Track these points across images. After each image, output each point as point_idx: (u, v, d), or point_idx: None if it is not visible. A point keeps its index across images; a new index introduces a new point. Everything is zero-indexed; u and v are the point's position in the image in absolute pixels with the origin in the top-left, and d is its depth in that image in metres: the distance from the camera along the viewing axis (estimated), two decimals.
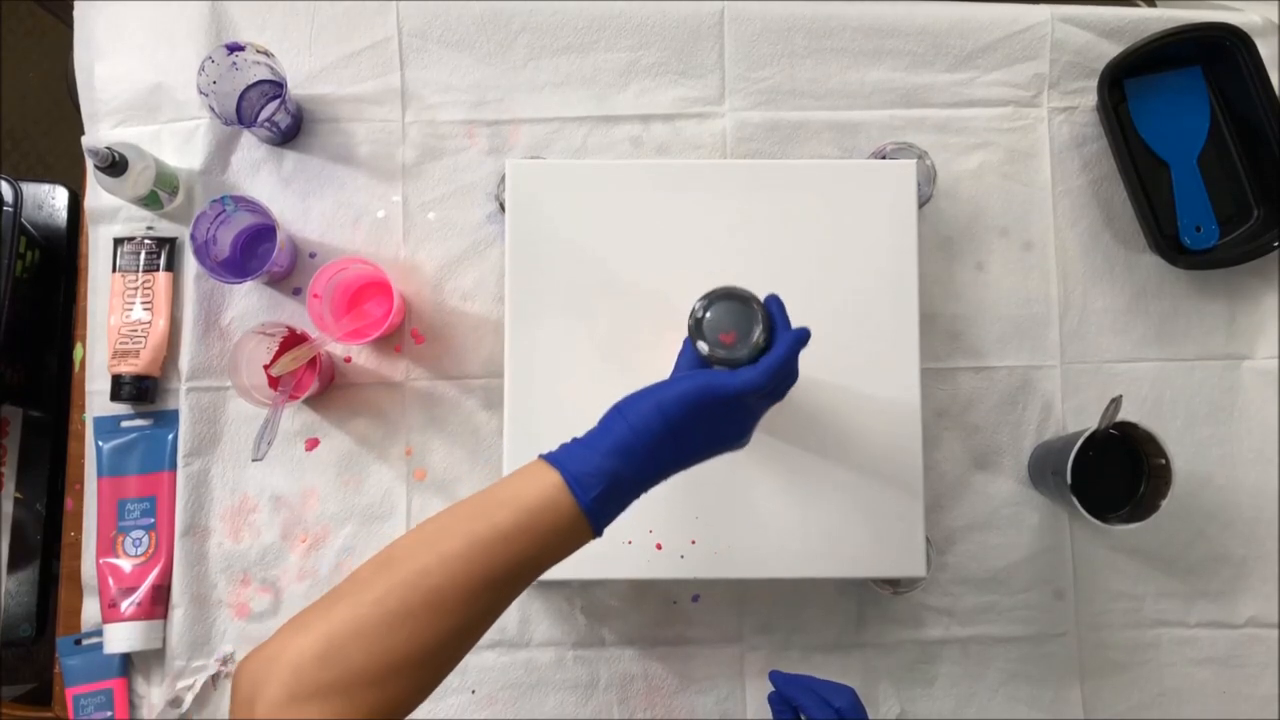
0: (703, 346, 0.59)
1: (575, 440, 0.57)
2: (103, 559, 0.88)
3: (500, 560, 0.52)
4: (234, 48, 0.86)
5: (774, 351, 0.59)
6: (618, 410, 0.57)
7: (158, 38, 0.94)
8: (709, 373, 0.58)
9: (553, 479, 0.54)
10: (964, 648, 0.89)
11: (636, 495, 0.57)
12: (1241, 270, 0.92)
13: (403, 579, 0.51)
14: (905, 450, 0.78)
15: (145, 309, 0.91)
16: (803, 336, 0.60)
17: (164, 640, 0.88)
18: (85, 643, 0.88)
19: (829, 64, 0.94)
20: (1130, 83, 0.94)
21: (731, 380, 0.57)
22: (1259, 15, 0.95)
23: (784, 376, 0.60)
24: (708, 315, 0.60)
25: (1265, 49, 0.91)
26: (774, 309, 0.61)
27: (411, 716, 0.86)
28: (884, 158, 0.89)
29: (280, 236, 0.85)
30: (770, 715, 0.72)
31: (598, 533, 0.56)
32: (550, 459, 0.56)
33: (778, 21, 0.94)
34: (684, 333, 0.74)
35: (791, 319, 0.62)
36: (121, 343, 0.89)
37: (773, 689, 0.72)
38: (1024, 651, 0.89)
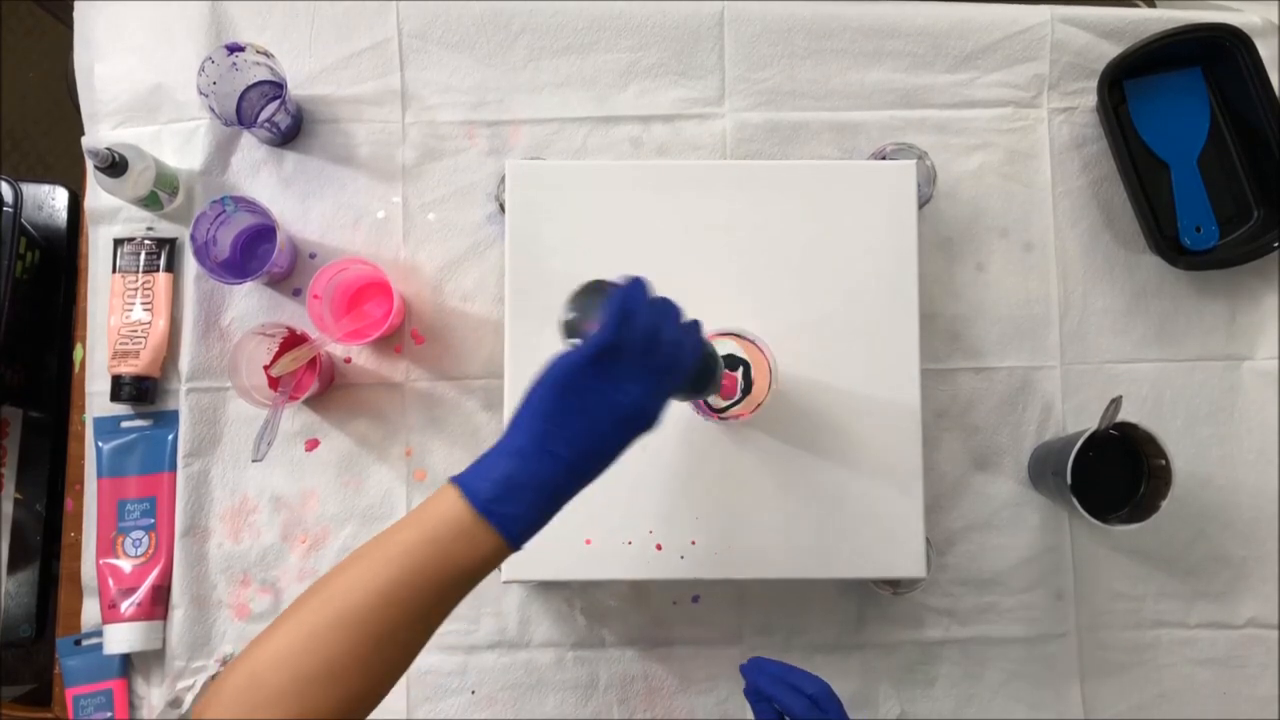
0: (575, 343, 0.58)
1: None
2: (103, 560, 0.88)
3: (402, 574, 0.54)
4: (234, 48, 0.86)
5: (609, 303, 0.57)
6: (512, 415, 0.59)
7: (157, 38, 0.94)
8: (563, 351, 0.58)
9: (453, 491, 0.55)
10: (964, 648, 0.89)
11: (551, 496, 0.56)
12: (1241, 271, 0.92)
13: (316, 602, 0.54)
14: (905, 451, 0.78)
15: (145, 309, 0.91)
16: (636, 280, 0.58)
17: (164, 641, 0.88)
18: (85, 643, 0.88)
19: (829, 65, 0.94)
20: (1130, 83, 0.94)
21: (578, 349, 0.56)
22: (1259, 16, 0.95)
23: (637, 327, 0.57)
24: (574, 315, 0.59)
25: (1265, 50, 0.91)
26: (629, 284, 0.59)
27: (413, 716, 0.87)
28: (884, 158, 0.89)
29: (280, 237, 0.85)
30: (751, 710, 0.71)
31: (508, 535, 0.55)
32: (454, 477, 0.57)
33: (778, 22, 0.94)
34: None
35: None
36: (121, 343, 0.89)
37: (746, 683, 0.71)
38: (1024, 652, 0.89)
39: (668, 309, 0.60)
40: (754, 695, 0.71)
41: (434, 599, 0.55)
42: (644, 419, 0.59)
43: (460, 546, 0.55)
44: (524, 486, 0.55)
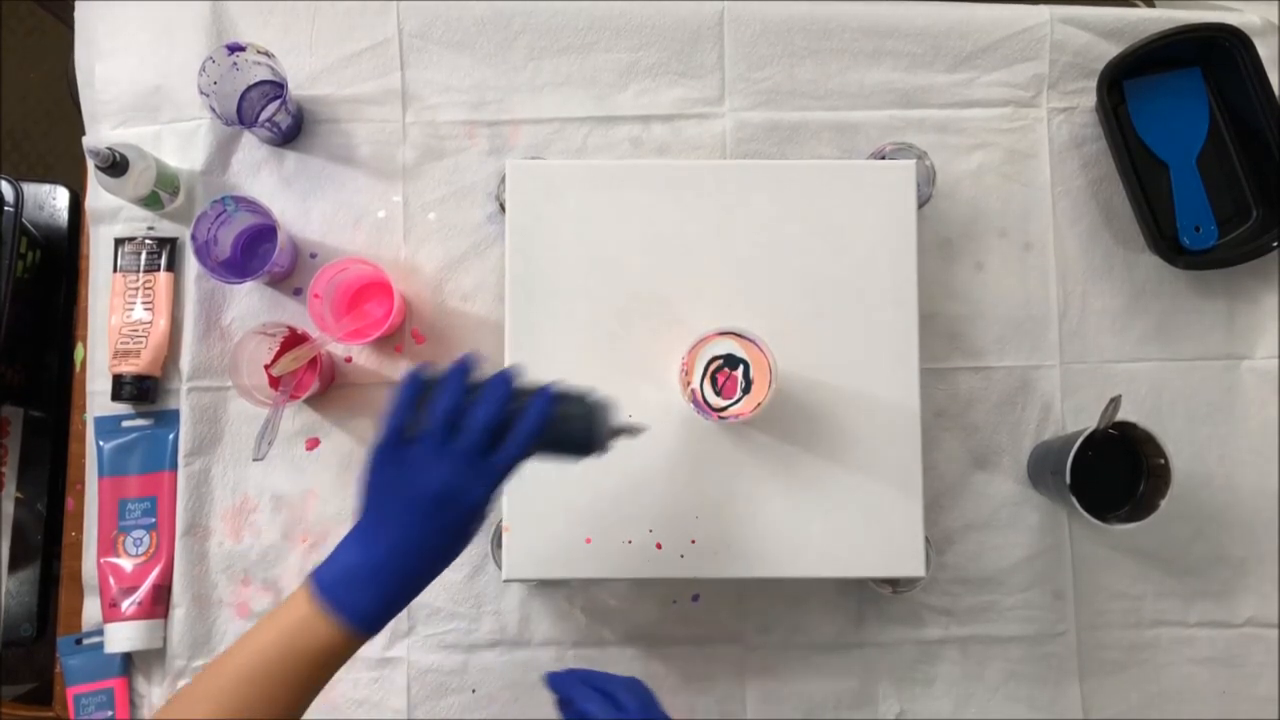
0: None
1: None
2: (103, 559, 0.88)
3: (253, 674, 0.57)
4: (235, 48, 0.86)
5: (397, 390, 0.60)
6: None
7: (158, 38, 0.94)
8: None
9: (302, 588, 0.59)
10: (963, 647, 0.89)
11: (389, 582, 0.59)
12: (1241, 270, 0.92)
13: (178, 693, 0.59)
14: (904, 450, 0.78)
15: (146, 309, 0.91)
16: (418, 369, 0.61)
17: (165, 640, 0.88)
18: (86, 642, 0.88)
19: (829, 64, 0.94)
20: (1129, 83, 0.94)
21: (375, 437, 0.60)
22: (1258, 16, 0.95)
23: (430, 412, 0.58)
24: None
25: (1264, 49, 0.91)
26: (410, 375, 0.61)
27: (413, 715, 0.87)
28: (883, 158, 0.89)
29: (281, 237, 0.85)
30: None
31: (353, 623, 0.58)
32: (313, 570, 0.61)
33: (777, 22, 0.94)
34: (683, 332, 0.74)
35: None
36: (122, 343, 0.89)
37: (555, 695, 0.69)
38: (1023, 651, 0.89)
39: (493, 390, 0.59)
40: (565, 707, 0.69)
41: (285, 692, 0.57)
42: (462, 502, 0.59)
43: (305, 640, 0.57)
44: (359, 575, 0.58)
